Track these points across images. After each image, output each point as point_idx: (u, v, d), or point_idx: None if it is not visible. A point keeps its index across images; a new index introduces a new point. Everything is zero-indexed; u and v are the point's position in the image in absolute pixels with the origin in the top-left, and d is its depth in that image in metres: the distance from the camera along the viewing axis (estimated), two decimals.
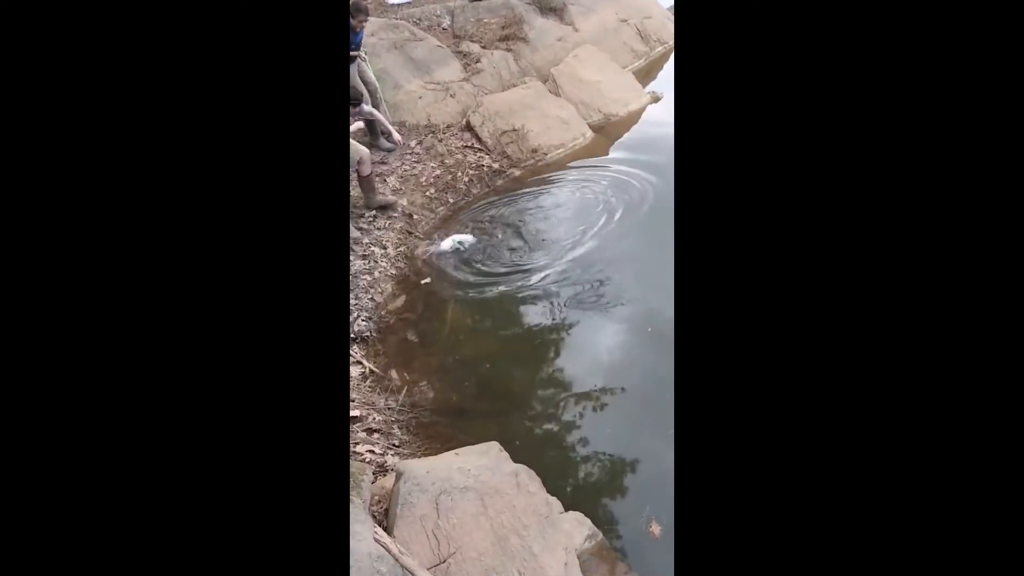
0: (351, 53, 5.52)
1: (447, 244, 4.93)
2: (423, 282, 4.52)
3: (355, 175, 4.79)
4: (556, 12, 8.30)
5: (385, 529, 2.28)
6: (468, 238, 4.97)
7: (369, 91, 5.73)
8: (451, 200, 5.66)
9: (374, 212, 5.10)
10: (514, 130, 6.32)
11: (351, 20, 5.35)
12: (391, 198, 5.23)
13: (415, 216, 5.28)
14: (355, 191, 5.03)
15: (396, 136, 5.40)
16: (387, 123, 5.43)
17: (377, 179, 5.42)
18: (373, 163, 5.44)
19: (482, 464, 2.58)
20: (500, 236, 5.05)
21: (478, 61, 7.18)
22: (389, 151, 5.75)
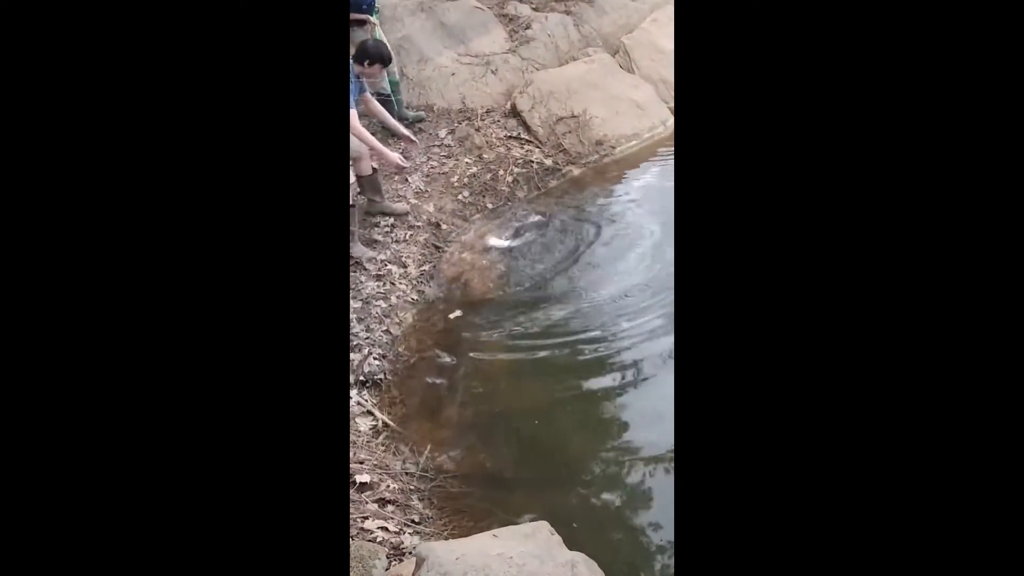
0: (359, 16, 5.66)
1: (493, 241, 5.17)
2: (452, 316, 4.59)
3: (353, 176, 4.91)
4: None
5: None
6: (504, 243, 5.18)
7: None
8: (490, 206, 5.75)
9: (391, 221, 5.22)
10: (573, 116, 6.40)
11: None
12: (401, 206, 5.36)
13: (443, 226, 5.38)
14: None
15: (392, 157, 4.86)
16: (394, 122, 5.16)
17: (396, 178, 5.55)
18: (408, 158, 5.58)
19: (528, 550, 2.60)
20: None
21: (528, 27, 7.31)
22: (400, 214, 5.36)
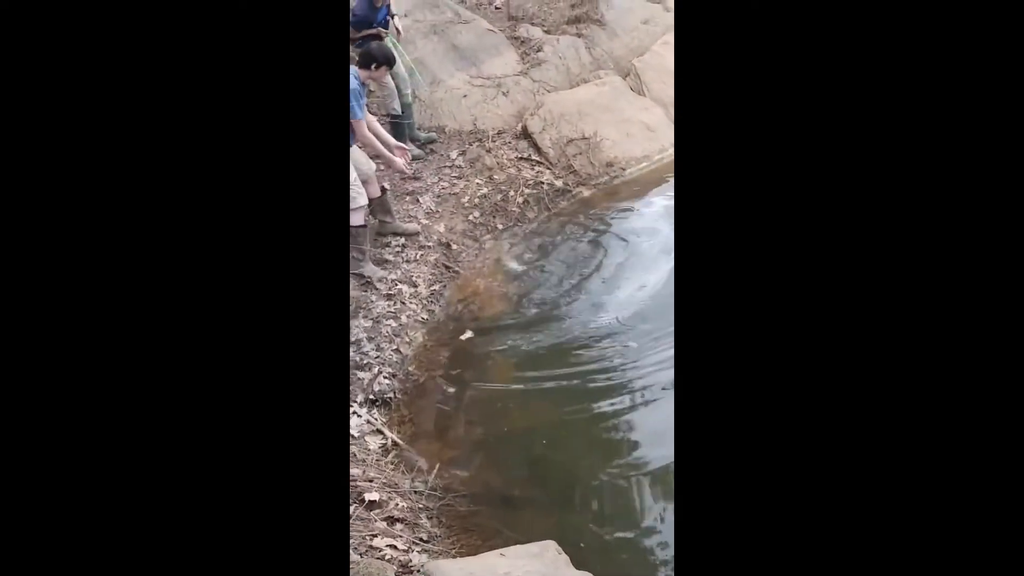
0: (370, 32, 5.69)
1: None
2: (463, 337, 4.64)
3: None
4: None
5: None
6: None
7: (397, 86, 5.92)
8: (500, 226, 5.80)
9: (402, 241, 5.27)
10: (584, 138, 6.47)
11: None
12: (412, 226, 5.42)
13: (454, 246, 5.43)
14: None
15: (398, 163, 4.87)
16: (387, 137, 4.96)
17: (408, 198, 5.61)
18: (403, 178, 5.64)
19: (535, 569, 2.62)
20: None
21: (539, 50, 7.38)
22: (411, 234, 5.38)
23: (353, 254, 4.77)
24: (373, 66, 4.63)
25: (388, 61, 4.73)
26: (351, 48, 5.78)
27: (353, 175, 4.55)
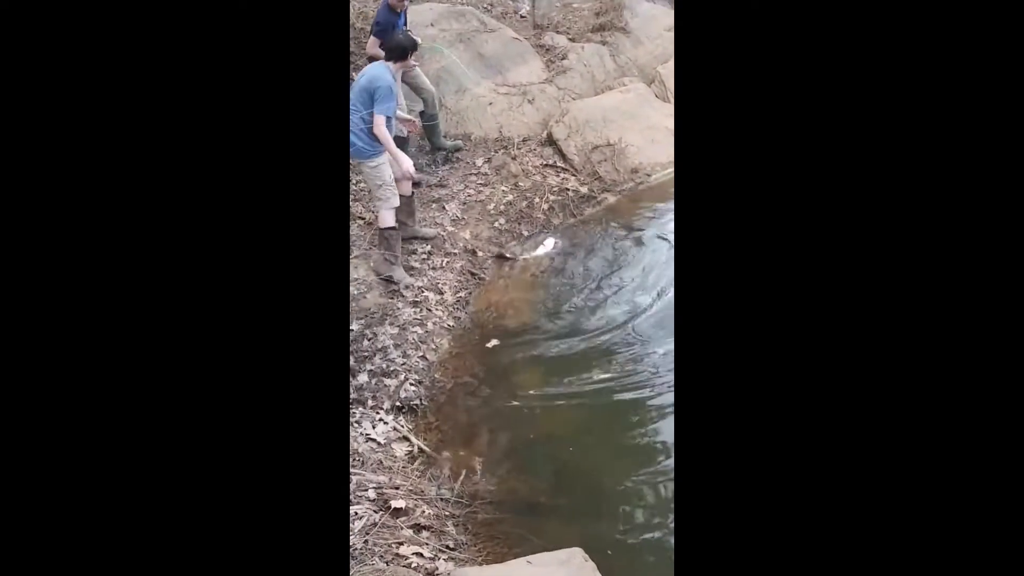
0: (408, 64, 5.67)
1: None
2: (489, 344, 4.63)
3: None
4: None
5: None
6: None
7: (423, 99, 5.93)
8: (525, 233, 5.80)
9: (428, 248, 5.28)
10: (609, 145, 6.45)
11: None
12: (430, 230, 5.42)
13: (479, 253, 5.42)
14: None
15: (411, 173, 4.71)
16: (401, 156, 4.63)
17: (434, 205, 5.61)
18: (429, 186, 5.64)
19: None
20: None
21: (564, 57, 7.39)
22: (429, 238, 5.38)
23: (386, 256, 4.76)
24: (410, 56, 4.65)
25: (413, 44, 4.74)
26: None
27: (388, 175, 4.56)
